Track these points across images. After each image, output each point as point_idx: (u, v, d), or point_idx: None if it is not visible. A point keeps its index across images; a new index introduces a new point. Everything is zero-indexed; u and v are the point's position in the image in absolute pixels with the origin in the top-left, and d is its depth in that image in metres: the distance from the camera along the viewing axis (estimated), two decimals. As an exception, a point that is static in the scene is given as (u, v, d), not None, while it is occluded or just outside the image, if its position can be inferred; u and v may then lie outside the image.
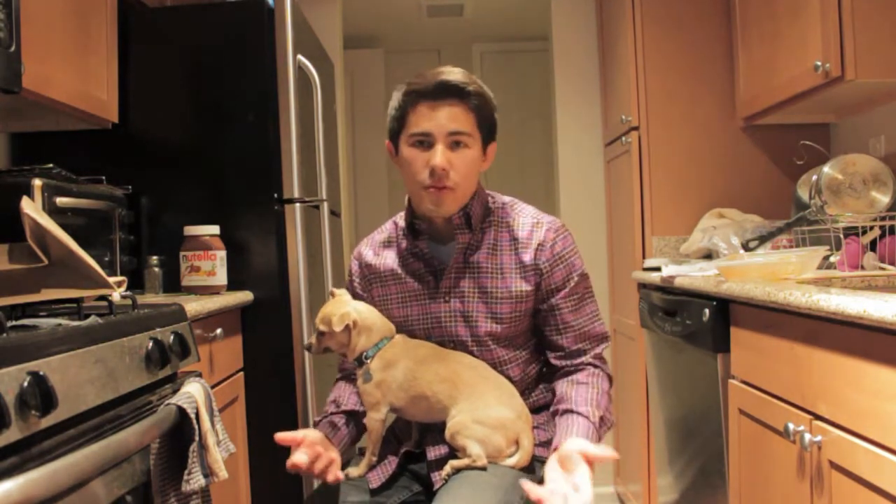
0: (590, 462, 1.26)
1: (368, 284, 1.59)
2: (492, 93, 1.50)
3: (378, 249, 1.60)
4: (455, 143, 1.43)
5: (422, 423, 1.50)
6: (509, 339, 1.50)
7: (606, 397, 1.46)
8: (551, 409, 1.49)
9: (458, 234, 1.49)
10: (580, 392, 1.44)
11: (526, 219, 1.52)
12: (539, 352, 1.57)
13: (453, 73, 1.44)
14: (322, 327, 1.45)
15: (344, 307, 1.45)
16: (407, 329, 1.52)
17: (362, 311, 1.47)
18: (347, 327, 1.43)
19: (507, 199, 1.58)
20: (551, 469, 1.28)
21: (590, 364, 1.49)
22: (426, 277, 1.52)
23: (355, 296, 1.58)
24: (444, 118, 1.42)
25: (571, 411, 1.40)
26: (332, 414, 1.54)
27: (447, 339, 1.50)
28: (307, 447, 1.39)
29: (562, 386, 1.47)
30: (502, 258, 1.49)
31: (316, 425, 1.54)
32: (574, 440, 1.32)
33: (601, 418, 1.41)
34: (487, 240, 1.51)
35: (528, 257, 1.48)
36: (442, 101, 1.42)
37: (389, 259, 1.56)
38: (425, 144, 1.43)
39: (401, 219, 1.59)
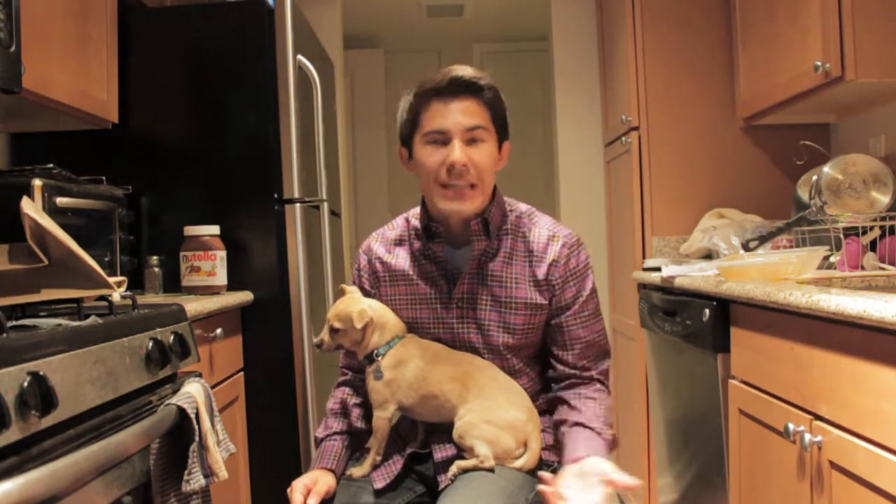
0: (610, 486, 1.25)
1: (377, 281, 1.55)
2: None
3: (390, 247, 1.56)
4: (472, 140, 1.41)
5: (428, 423, 1.49)
6: (521, 349, 1.49)
7: (611, 415, 1.46)
8: (557, 417, 1.48)
9: (474, 241, 1.47)
10: (589, 407, 1.44)
11: (542, 230, 1.50)
12: (546, 364, 1.56)
13: (464, 69, 1.42)
14: (337, 324, 1.44)
15: (359, 304, 1.44)
16: (415, 330, 1.51)
17: (377, 309, 1.46)
18: (365, 324, 1.43)
19: (524, 207, 1.56)
20: (568, 484, 1.26)
21: (595, 380, 1.49)
22: (439, 281, 1.50)
23: (362, 290, 1.57)
24: (459, 114, 1.40)
25: (584, 426, 1.40)
26: (335, 434, 1.52)
27: (459, 344, 1.49)
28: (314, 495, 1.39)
29: (569, 396, 1.47)
30: (516, 268, 1.48)
31: (318, 443, 1.53)
32: (598, 460, 1.29)
33: (612, 437, 1.41)
34: (504, 248, 1.49)
35: (541, 272, 1.47)
36: (455, 97, 1.40)
37: (401, 258, 1.54)
38: (440, 142, 1.41)
39: (413, 217, 1.56)
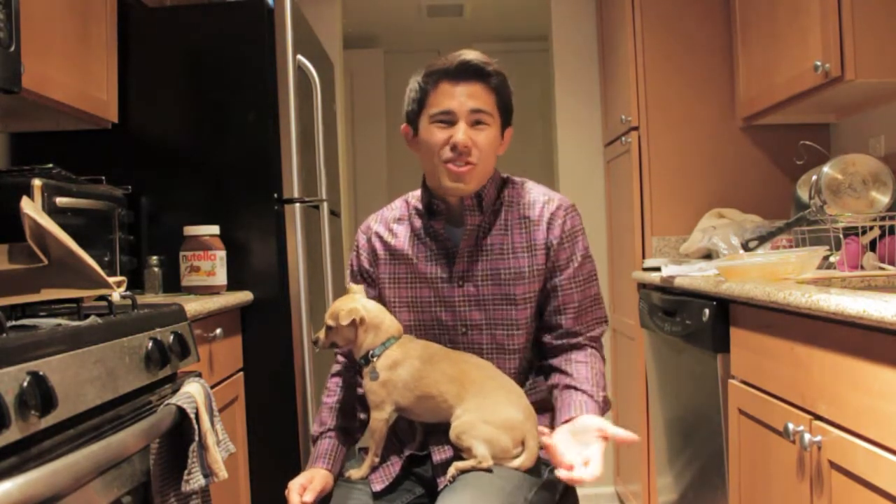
0: (606, 441, 1.28)
1: (375, 260, 1.57)
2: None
3: (390, 225, 1.58)
4: (476, 122, 1.45)
5: (426, 424, 1.49)
6: (521, 324, 1.50)
7: (603, 378, 1.48)
8: (549, 383, 1.49)
9: (468, 217, 1.49)
10: (580, 370, 1.45)
11: (537, 196, 1.53)
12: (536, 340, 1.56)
13: (474, 54, 1.46)
14: (330, 322, 1.45)
15: (352, 304, 1.45)
16: (415, 310, 1.52)
17: (371, 310, 1.46)
18: (354, 323, 1.43)
19: (518, 179, 1.58)
20: (562, 440, 1.29)
21: (586, 345, 1.51)
22: (439, 260, 1.51)
23: (361, 270, 1.58)
24: (465, 96, 1.44)
25: (576, 388, 1.42)
26: (329, 431, 1.53)
27: (459, 322, 1.49)
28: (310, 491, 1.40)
29: (559, 363, 1.48)
30: (514, 238, 1.50)
31: (314, 441, 1.53)
32: (591, 417, 1.33)
33: (604, 399, 1.43)
34: (499, 221, 1.51)
35: (540, 234, 1.49)
36: (463, 81, 1.44)
37: (401, 237, 1.55)
38: (446, 122, 1.44)
39: (413, 198, 1.58)
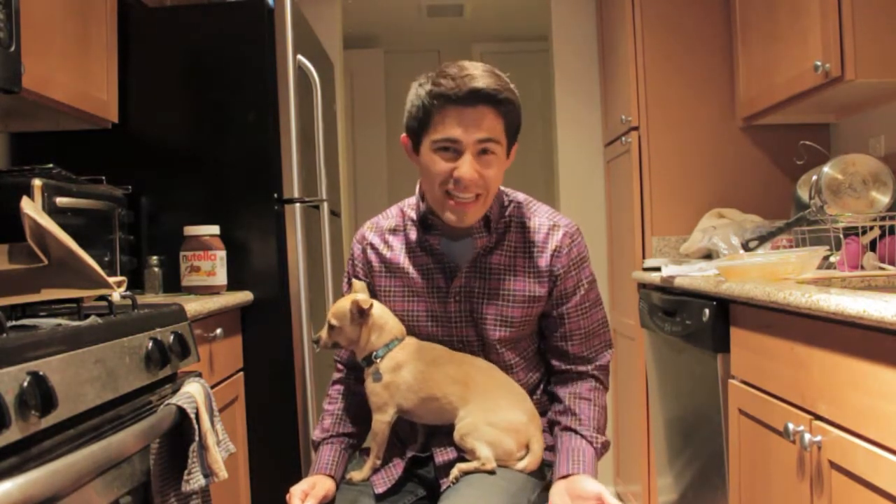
0: None
1: (371, 272, 1.53)
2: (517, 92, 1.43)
3: (385, 237, 1.54)
4: (483, 151, 1.36)
5: (428, 425, 1.48)
6: (517, 343, 1.49)
7: (604, 415, 1.47)
8: (551, 415, 1.49)
9: (476, 238, 1.45)
10: (583, 409, 1.44)
11: (542, 220, 1.49)
12: (541, 356, 1.55)
13: (484, 79, 1.34)
14: (334, 321, 1.43)
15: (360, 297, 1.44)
16: (410, 324, 1.49)
17: (376, 310, 1.45)
18: (364, 312, 1.41)
19: (521, 197, 1.54)
20: None
21: (593, 376, 1.49)
22: (435, 275, 1.47)
23: (356, 280, 1.55)
24: (472, 125, 1.34)
25: (576, 432, 1.42)
26: (332, 437, 1.51)
27: (455, 338, 1.48)
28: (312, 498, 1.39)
29: (564, 395, 1.47)
30: (516, 260, 1.46)
31: (316, 447, 1.52)
32: (589, 481, 1.33)
33: (603, 444, 1.43)
34: (501, 241, 1.47)
35: (543, 262, 1.46)
36: (472, 108, 1.34)
37: (397, 250, 1.51)
38: (451, 151, 1.36)
39: (409, 207, 1.53)
